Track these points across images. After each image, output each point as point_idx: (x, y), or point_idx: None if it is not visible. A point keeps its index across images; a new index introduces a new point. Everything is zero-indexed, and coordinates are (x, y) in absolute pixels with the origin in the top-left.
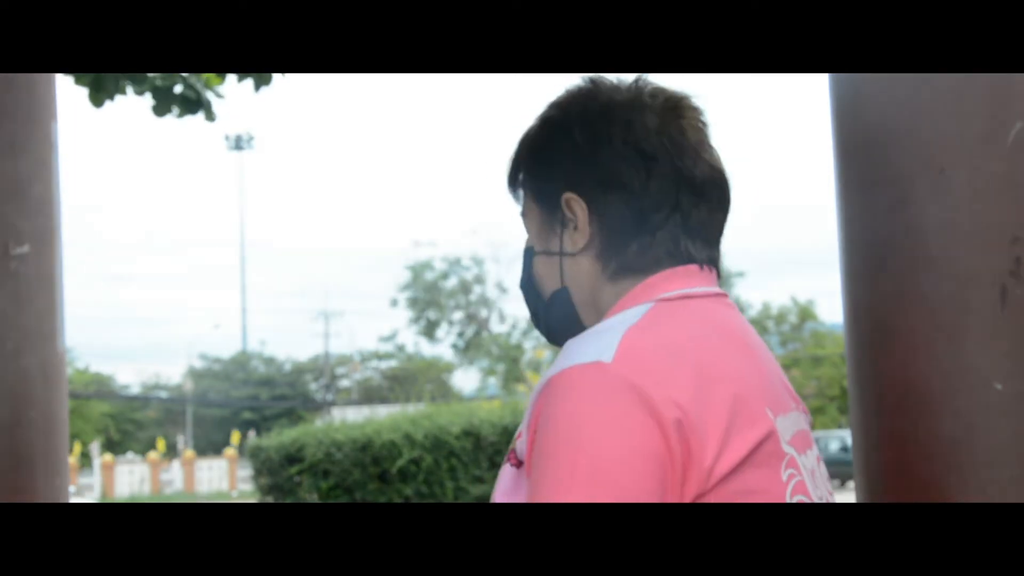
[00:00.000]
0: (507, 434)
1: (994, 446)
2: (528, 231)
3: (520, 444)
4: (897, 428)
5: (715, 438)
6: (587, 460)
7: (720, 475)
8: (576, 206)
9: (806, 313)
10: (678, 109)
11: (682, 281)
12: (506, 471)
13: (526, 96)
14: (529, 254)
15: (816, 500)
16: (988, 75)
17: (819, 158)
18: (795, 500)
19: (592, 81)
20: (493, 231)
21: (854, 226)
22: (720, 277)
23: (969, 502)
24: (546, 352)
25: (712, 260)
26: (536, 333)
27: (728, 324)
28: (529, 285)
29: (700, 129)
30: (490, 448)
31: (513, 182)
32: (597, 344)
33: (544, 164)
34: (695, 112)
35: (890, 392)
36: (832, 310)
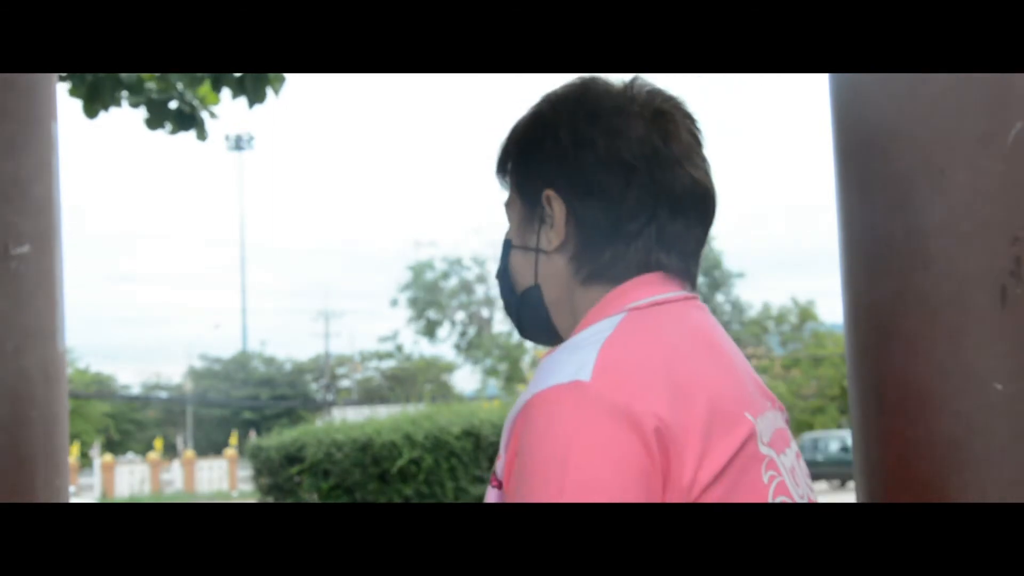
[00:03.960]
0: None
1: (994, 446)
2: (509, 222)
3: (499, 465)
4: (897, 428)
5: (694, 450)
6: (574, 483)
7: (703, 484)
8: (556, 204)
9: (806, 313)
10: (667, 117)
11: (652, 288)
12: (491, 494)
13: (526, 96)
14: (507, 246)
15: (797, 499)
16: (988, 75)
17: (819, 158)
18: (777, 501)
19: (584, 81)
20: (494, 231)
21: (854, 226)
22: (695, 288)
23: (969, 502)
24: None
25: (687, 272)
26: None
27: (700, 328)
28: (505, 276)
29: (688, 138)
30: (490, 448)
31: (502, 169)
32: (574, 361)
33: (528, 160)
34: (686, 120)
35: (890, 392)
36: (832, 310)
